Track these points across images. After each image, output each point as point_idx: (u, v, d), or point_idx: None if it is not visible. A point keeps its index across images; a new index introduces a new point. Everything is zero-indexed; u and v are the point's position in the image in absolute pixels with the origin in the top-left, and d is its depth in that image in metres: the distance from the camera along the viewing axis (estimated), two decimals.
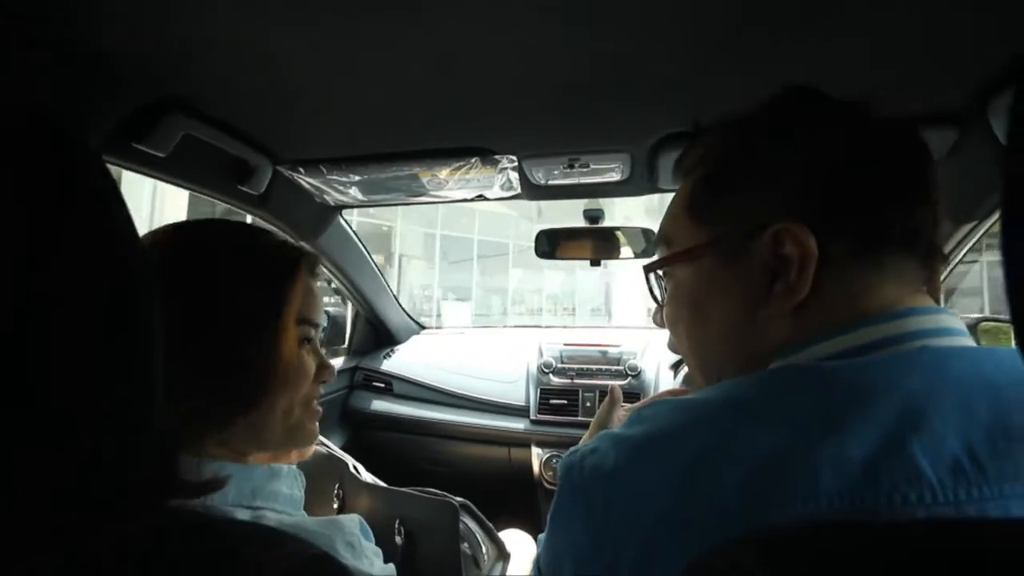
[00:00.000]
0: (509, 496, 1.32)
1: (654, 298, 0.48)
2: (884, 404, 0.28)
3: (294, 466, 0.54)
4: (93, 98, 0.62)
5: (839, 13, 0.48)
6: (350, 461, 0.92)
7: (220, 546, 0.34)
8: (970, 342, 0.33)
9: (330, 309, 1.64)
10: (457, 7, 0.47)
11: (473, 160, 0.86)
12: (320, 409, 0.56)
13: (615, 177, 0.93)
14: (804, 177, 0.36)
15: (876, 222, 0.35)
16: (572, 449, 0.38)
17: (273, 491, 0.50)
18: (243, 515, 0.45)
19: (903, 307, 0.33)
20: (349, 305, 1.61)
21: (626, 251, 1.23)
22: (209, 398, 0.43)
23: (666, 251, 0.43)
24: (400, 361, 1.59)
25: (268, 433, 0.49)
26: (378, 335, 1.68)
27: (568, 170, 0.90)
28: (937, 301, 0.36)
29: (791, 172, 0.36)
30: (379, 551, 0.57)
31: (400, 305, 1.69)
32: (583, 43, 0.53)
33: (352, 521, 0.53)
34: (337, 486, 0.91)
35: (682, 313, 0.42)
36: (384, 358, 1.61)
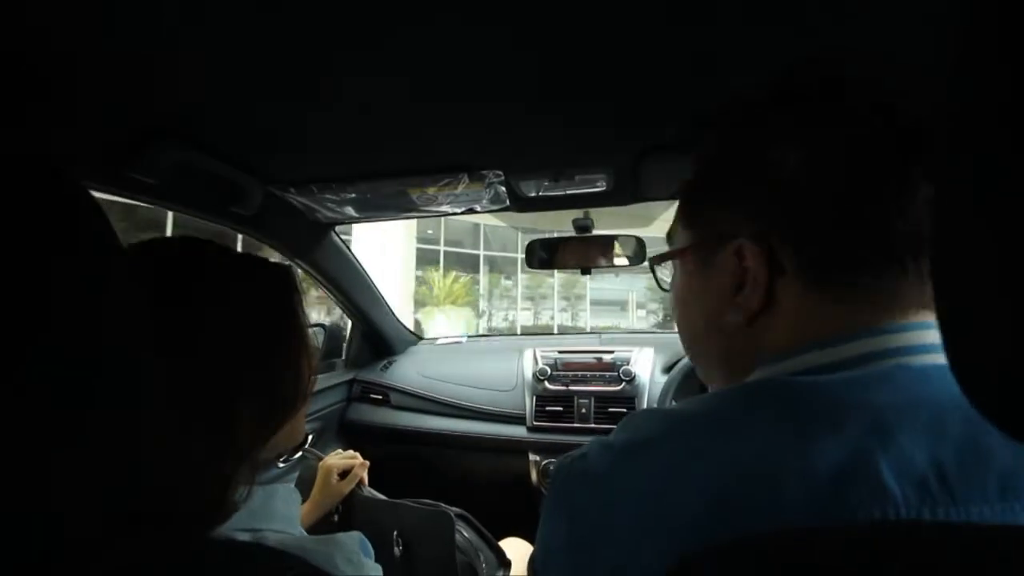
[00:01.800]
0: (508, 503, 1.33)
1: (660, 287, 0.53)
2: (854, 421, 0.28)
3: (291, 484, 0.55)
4: (83, 127, 0.63)
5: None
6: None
7: (224, 569, 0.35)
8: None
9: (326, 322, 1.66)
10: (434, 30, 0.48)
11: (461, 176, 0.88)
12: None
13: (600, 188, 0.95)
14: (766, 193, 0.37)
15: (843, 239, 0.35)
16: (565, 454, 0.39)
17: (271, 511, 0.52)
18: (244, 538, 0.47)
19: (882, 324, 0.33)
20: (345, 317, 1.63)
21: (617, 259, 1.25)
22: (256, 420, 0.45)
23: (669, 247, 0.47)
24: (397, 372, 1.60)
25: (285, 440, 0.52)
26: (375, 347, 1.69)
27: (554, 183, 0.92)
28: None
29: (756, 185, 0.38)
30: (379, 567, 0.58)
31: (396, 316, 1.71)
32: (560, 61, 0.54)
33: (352, 539, 0.54)
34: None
35: (674, 306, 0.47)
36: (381, 369, 1.62)
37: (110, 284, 0.28)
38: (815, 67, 0.38)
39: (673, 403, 1.24)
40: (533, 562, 0.41)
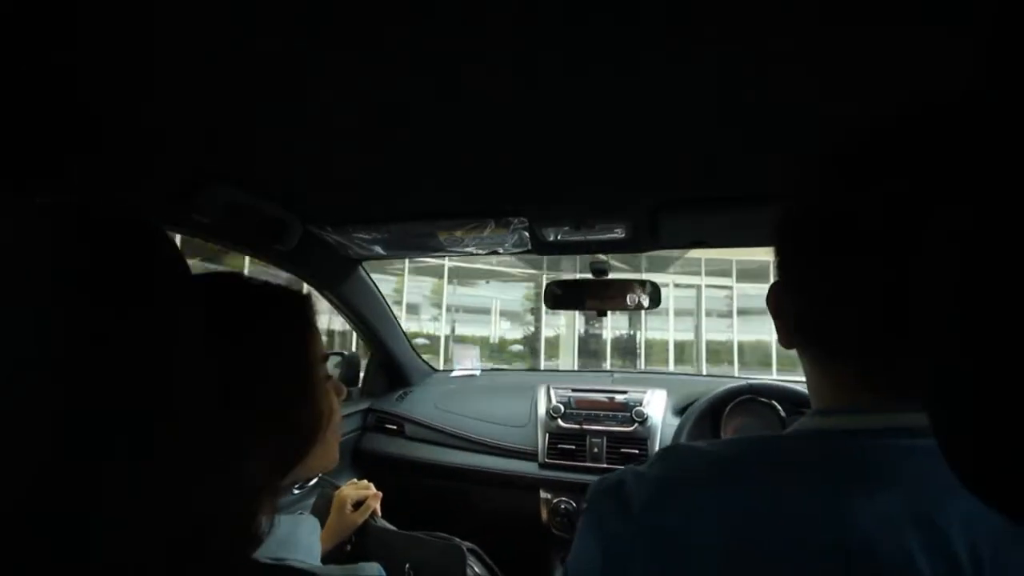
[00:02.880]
0: (518, 540, 1.33)
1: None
2: (889, 492, 0.29)
3: (312, 516, 0.58)
4: (149, 174, 0.70)
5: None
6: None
7: None
8: None
9: (345, 351, 1.70)
10: (466, 92, 0.52)
11: (488, 221, 0.93)
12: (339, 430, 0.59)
13: (619, 235, 1.00)
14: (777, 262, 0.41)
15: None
16: (603, 477, 0.40)
17: (294, 541, 0.54)
18: None
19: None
20: (362, 347, 1.67)
21: (631, 301, 1.28)
22: (276, 452, 0.46)
23: None
24: (413, 403, 1.63)
25: (312, 467, 0.53)
26: (391, 377, 1.73)
27: (574, 230, 0.97)
28: None
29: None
30: None
31: (414, 348, 1.75)
32: (587, 122, 0.59)
33: (372, 568, 0.56)
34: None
35: None
36: (397, 400, 1.65)
37: (183, 330, 0.31)
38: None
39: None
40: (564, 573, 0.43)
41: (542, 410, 1.47)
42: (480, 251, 1.09)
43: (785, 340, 0.41)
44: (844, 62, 0.46)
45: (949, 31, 0.40)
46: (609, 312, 1.28)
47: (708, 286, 9.29)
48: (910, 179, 0.30)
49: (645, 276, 1.26)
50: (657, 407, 1.42)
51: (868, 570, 0.27)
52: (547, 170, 0.74)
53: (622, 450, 1.36)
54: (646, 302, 1.25)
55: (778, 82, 0.50)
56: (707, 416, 1.29)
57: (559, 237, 1.03)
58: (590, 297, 1.27)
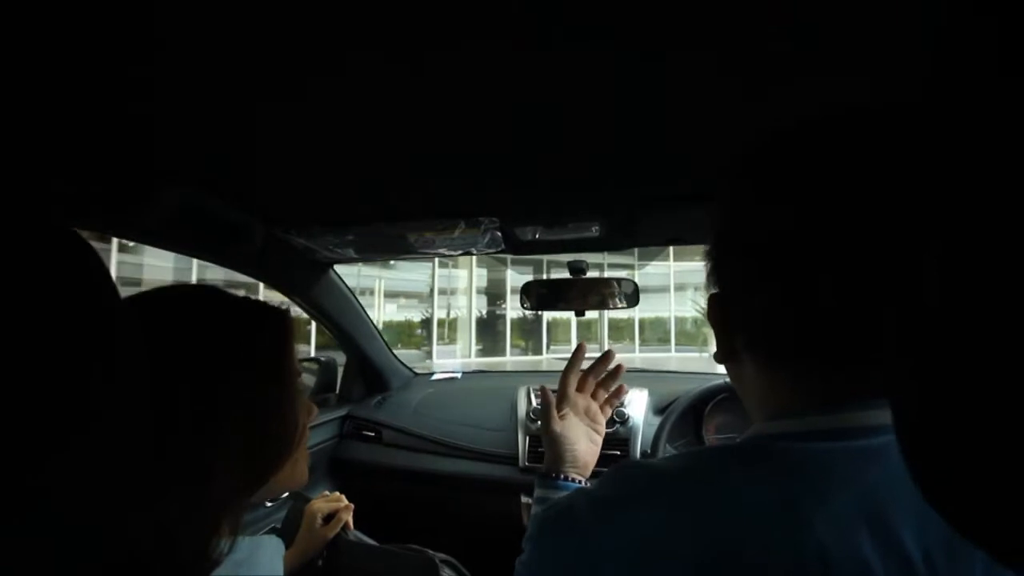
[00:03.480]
0: (498, 546, 1.30)
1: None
2: (842, 497, 0.28)
3: (275, 536, 0.55)
4: (87, 174, 0.65)
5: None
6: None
7: None
8: None
9: (322, 357, 1.66)
10: (435, 83, 0.50)
11: (459, 222, 0.90)
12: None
13: (594, 233, 0.98)
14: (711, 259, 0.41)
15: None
16: (549, 504, 0.39)
17: (255, 563, 0.52)
18: None
19: (881, 398, 0.32)
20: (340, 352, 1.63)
21: (611, 301, 1.27)
22: (246, 469, 0.44)
23: None
24: (391, 408, 1.59)
25: (279, 486, 0.51)
26: (369, 381, 1.69)
27: (548, 229, 0.95)
28: None
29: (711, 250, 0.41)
30: None
31: (392, 351, 1.71)
32: (558, 118, 0.57)
33: None
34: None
35: None
36: (375, 405, 1.61)
37: (115, 342, 0.29)
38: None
39: (667, 447, 1.23)
40: None
41: (522, 412, 1.44)
42: (453, 252, 1.07)
43: (723, 351, 0.41)
44: (824, 63, 0.45)
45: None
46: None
47: (610, 264, 9.47)
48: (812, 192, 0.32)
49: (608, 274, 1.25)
50: (638, 407, 1.40)
51: (824, 574, 0.26)
52: (516, 169, 0.71)
53: (604, 452, 1.33)
54: (626, 300, 1.24)
55: (752, 81, 0.48)
56: (688, 414, 1.28)
57: (533, 236, 1.01)
58: (570, 296, 1.25)
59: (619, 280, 1.25)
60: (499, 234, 0.97)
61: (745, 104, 0.53)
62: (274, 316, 0.51)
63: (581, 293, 1.27)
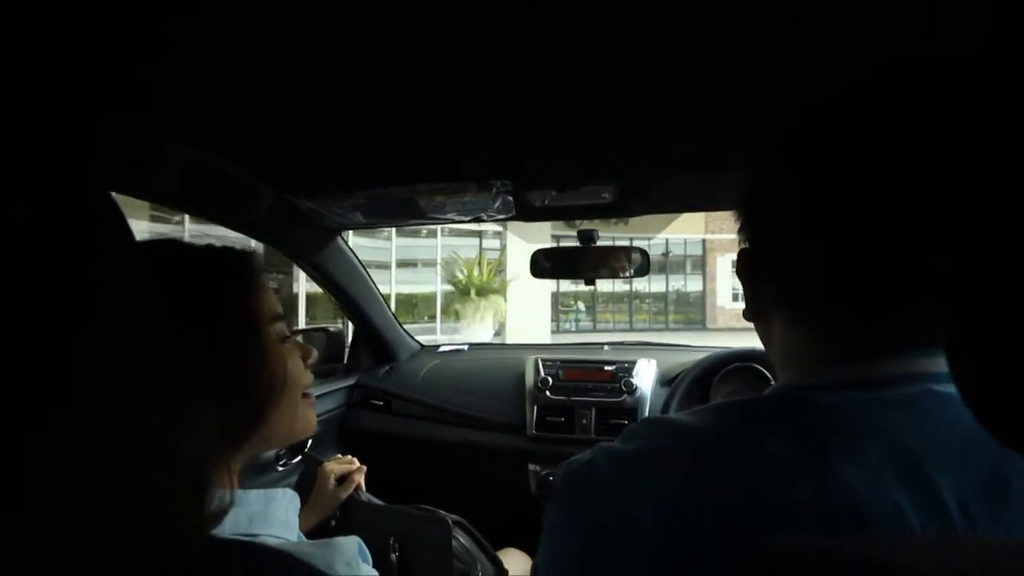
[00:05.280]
0: (506, 514, 1.32)
1: None
2: (873, 447, 0.28)
3: (289, 490, 0.55)
4: (97, 131, 0.64)
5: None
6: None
7: (219, 569, 0.35)
8: None
9: (330, 327, 1.66)
10: (446, 42, 0.49)
11: (469, 184, 0.89)
12: (314, 396, 0.57)
13: (607, 199, 0.96)
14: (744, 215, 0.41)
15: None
16: (570, 460, 0.39)
17: (269, 517, 0.51)
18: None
19: (914, 347, 0.31)
20: (348, 323, 1.63)
21: (622, 269, 1.25)
22: (223, 420, 0.43)
23: None
24: (399, 378, 1.60)
25: (277, 435, 0.51)
26: (377, 352, 1.70)
27: (560, 193, 0.93)
28: None
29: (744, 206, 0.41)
30: (376, 573, 0.58)
31: (399, 323, 1.71)
32: (571, 76, 0.55)
33: (350, 543, 0.54)
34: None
35: None
36: (383, 376, 1.62)
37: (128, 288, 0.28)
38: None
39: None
40: (534, 566, 0.41)
41: (530, 382, 1.45)
42: (463, 217, 1.05)
43: (752, 308, 0.40)
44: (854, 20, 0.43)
45: None
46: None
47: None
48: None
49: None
50: (647, 377, 1.40)
51: (856, 525, 0.26)
52: (530, 128, 0.70)
53: (611, 421, 1.34)
54: (635, 269, 1.23)
55: (780, 36, 0.46)
56: (696, 385, 1.28)
57: (544, 202, 0.99)
58: (579, 265, 1.24)
59: (629, 249, 1.24)
60: (510, 199, 0.96)
61: (770, 66, 0.51)
62: (236, 259, 0.50)
63: (590, 261, 1.25)
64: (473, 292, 7.71)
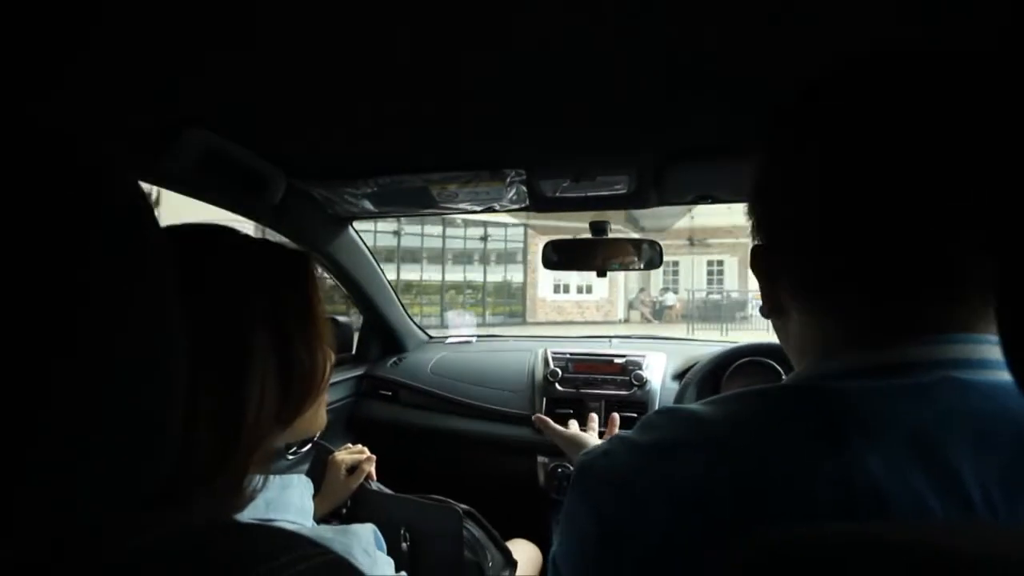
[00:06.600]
0: (515, 505, 1.32)
1: None
2: (893, 434, 0.28)
3: (304, 475, 0.55)
4: (116, 117, 0.64)
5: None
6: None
7: (234, 549, 0.35)
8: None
9: (340, 318, 1.66)
10: (462, 30, 0.48)
11: (483, 173, 0.88)
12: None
13: (621, 190, 0.95)
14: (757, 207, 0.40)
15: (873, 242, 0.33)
16: (587, 450, 0.39)
17: (286, 502, 0.52)
18: None
19: (933, 333, 0.31)
20: (357, 313, 1.63)
21: (633, 262, 1.24)
22: (279, 400, 0.45)
23: None
24: (408, 369, 1.60)
25: (301, 426, 0.51)
26: (385, 343, 1.70)
27: (574, 183, 0.92)
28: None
29: (755, 198, 0.41)
30: (391, 561, 0.58)
31: (408, 314, 1.71)
32: (587, 62, 0.54)
33: (367, 530, 0.54)
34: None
35: None
36: (392, 366, 1.62)
37: (149, 272, 0.27)
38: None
39: None
40: (554, 561, 0.41)
41: (539, 374, 1.44)
42: (475, 207, 1.04)
43: (769, 303, 0.40)
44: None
45: None
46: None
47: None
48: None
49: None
50: (656, 371, 1.39)
51: (878, 511, 0.26)
52: (546, 114, 0.68)
53: (621, 414, 1.34)
54: (647, 262, 1.22)
55: (795, 23, 0.45)
56: (708, 379, 1.27)
57: (558, 193, 0.98)
58: (590, 257, 1.23)
59: (640, 241, 1.23)
60: (524, 189, 0.95)
61: (789, 51, 0.50)
62: (299, 257, 0.52)
63: (602, 253, 1.24)
64: None
